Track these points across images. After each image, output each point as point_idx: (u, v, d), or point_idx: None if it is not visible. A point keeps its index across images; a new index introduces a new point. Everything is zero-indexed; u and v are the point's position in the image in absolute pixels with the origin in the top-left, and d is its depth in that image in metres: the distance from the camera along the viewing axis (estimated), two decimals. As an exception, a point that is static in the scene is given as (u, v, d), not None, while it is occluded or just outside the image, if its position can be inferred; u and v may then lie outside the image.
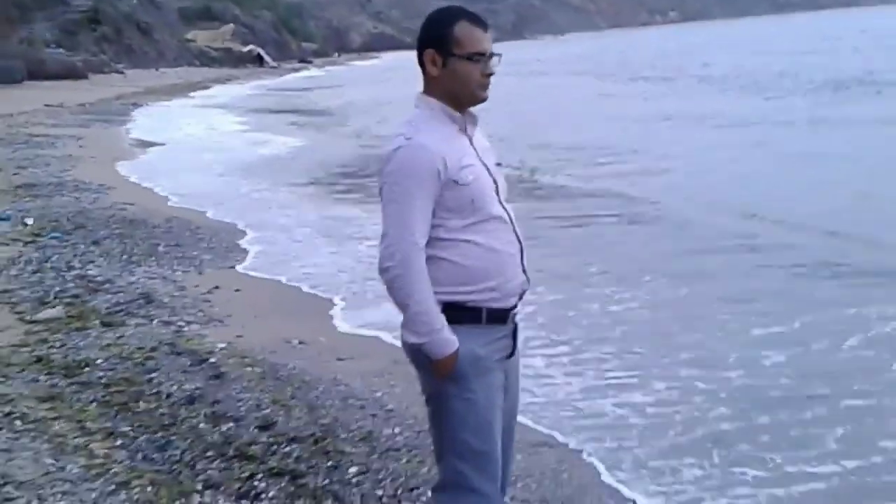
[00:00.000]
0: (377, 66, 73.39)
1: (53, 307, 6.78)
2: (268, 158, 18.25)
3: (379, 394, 5.03)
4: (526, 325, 6.32)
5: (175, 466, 4.11)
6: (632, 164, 15.42)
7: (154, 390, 5.01)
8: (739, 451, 4.53)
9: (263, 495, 3.82)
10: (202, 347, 5.78)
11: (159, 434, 4.44)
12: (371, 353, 5.91)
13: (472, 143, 2.81)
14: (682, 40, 75.35)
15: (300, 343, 6.15)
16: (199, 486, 3.91)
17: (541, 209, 11.34)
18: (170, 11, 76.52)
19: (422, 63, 2.78)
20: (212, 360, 5.49)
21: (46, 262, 8.26)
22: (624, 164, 15.45)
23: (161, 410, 4.73)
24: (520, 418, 4.48)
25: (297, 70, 72.64)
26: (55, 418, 4.66)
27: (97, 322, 6.41)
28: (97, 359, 5.53)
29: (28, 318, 6.55)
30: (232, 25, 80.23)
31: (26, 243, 9.14)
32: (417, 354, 2.74)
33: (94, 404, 4.85)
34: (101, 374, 5.28)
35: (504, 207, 2.81)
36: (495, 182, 2.81)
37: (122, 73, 52.26)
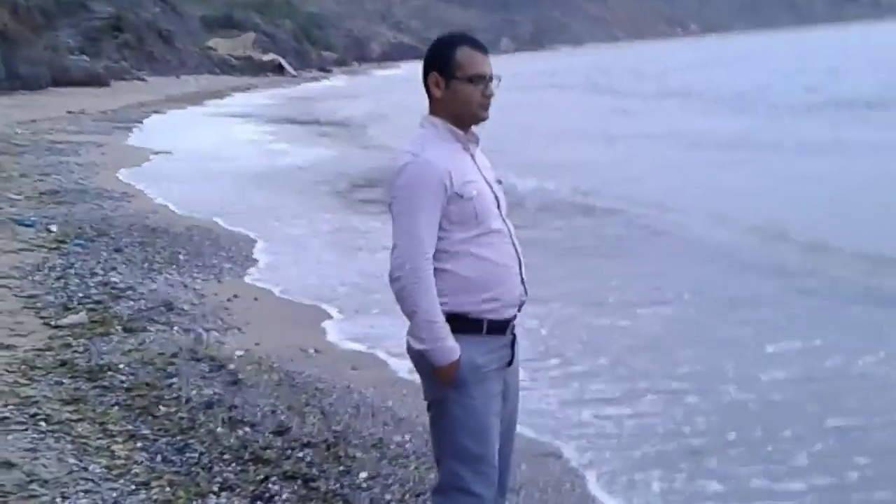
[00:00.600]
0: (397, 75, 73.95)
1: (77, 313, 6.97)
2: (288, 168, 18.42)
3: (390, 402, 5.20)
4: (536, 338, 6.56)
5: (193, 468, 4.29)
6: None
7: (174, 395, 5.19)
8: (712, 465, 4.65)
9: (277, 497, 3.99)
10: (221, 354, 5.96)
11: (178, 437, 4.63)
12: (384, 363, 6.08)
13: (474, 159, 3.01)
14: (695, 55, 75.09)
15: (316, 352, 6.33)
16: (216, 488, 4.09)
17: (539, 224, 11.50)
18: (192, 19, 77.15)
19: (427, 85, 2.98)
20: (230, 366, 5.68)
21: (70, 268, 8.46)
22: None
23: (180, 414, 4.91)
24: (529, 430, 4.70)
25: (317, 79, 73.03)
26: (78, 420, 4.85)
27: (119, 328, 6.61)
28: (119, 363, 5.73)
29: (52, 322, 6.74)
30: (253, 34, 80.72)
31: (50, 249, 9.36)
32: (421, 361, 2.92)
33: (116, 407, 5.04)
34: (122, 378, 5.47)
35: (505, 222, 3.00)
36: (497, 197, 3.01)
37: (143, 80, 52.71)
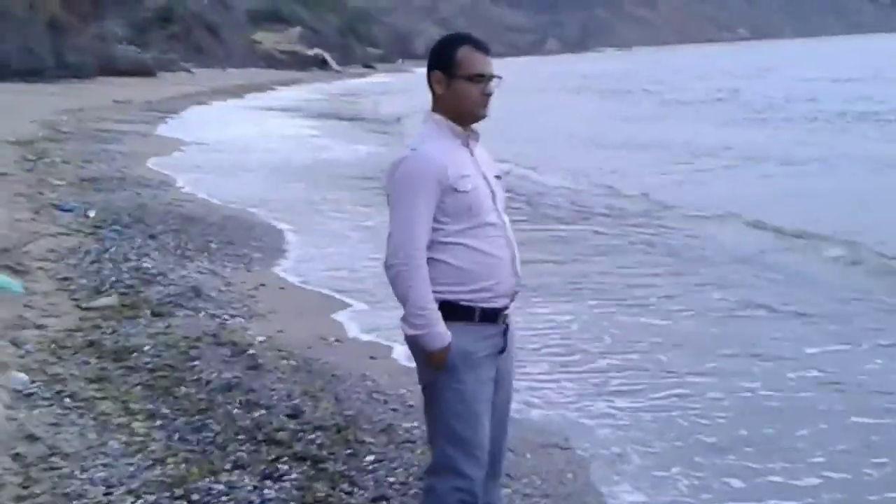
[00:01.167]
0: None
1: (109, 296, 7.17)
2: (328, 162, 18.55)
3: (403, 391, 5.31)
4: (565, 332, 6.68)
5: (208, 447, 4.44)
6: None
7: (195, 377, 5.35)
8: (730, 462, 4.73)
9: (286, 476, 4.13)
10: (243, 340, 6.12)
11: (196, 417, 4.78)
12: (402, 353, 6.19)
13: (473, 155, 3.12)
14: (741, 60, 74.36)
15: (337, 341, 6.47)
16: (228, 466, 4.23)
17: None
18: (239, 12, 77.87)
19: (430, 83, 3.11)
20: (251, 351, 5.82)
21: (105, 253, 8.67)
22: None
23: (199, 396, 5.07)
24: (540, 420, 4.80)
25: (361, 75, 73.49)
26: (102, 398, 5.03)
27: (148, 311, 6.79)
28: (144, 345, 5.90)
29: (84, 305, 6.95)
30: (299, 28, 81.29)
31: (87, 234, 9.60)
32: (415, 346, 3.06)
33: (139, 387, 5.21)
34: (147, 359, 5.64)
35: (500, 216, 3.12)
36: (493, 192, 3.12)
37: (190, 71, 53.35)
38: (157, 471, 4.16)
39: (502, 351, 3.15)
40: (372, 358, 6.04)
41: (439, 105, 3.12)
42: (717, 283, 8.47)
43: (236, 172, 16.49)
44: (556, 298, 7.86)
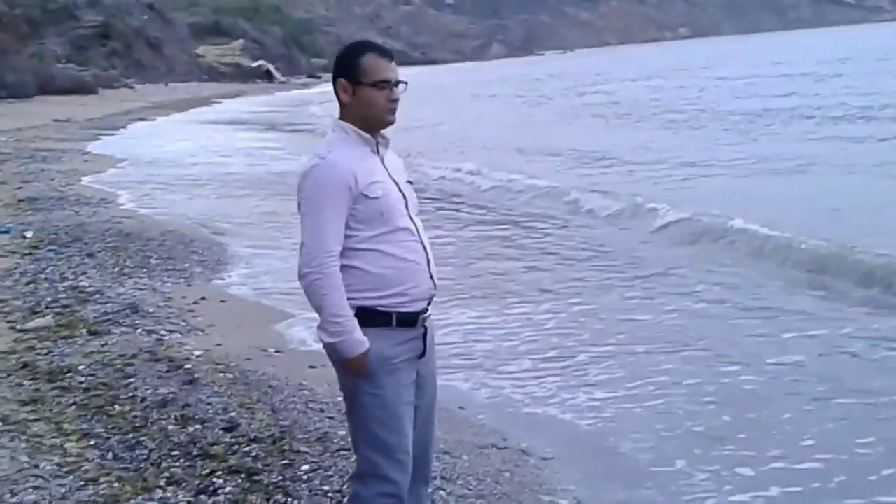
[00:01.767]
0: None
1: (43, 316, 7.07)
2: (273, 173, 18.38)
3: (340, 398, 5.26)
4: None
5: (142, 464, 4.39)
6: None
7: (130, 394, 5.30)
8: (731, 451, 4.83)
9: (220, 491, 4.09)
10: (180, 355, 6.06)
11: (130, 435, 4.73)
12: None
13: (383, 162, 3.13)
14: (676, 57, 75.40)
15: (276, 352, 6.43)
16: (162, 483, 4.19)
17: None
18: (180, 27, 77.29)
19: (336, 91, 3.11)
20: (187, 366, 5.78)
21: (41, 273, 8.56)
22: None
23: (134, 413, 5.01)
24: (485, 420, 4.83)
25: (306, 85, 73.24)
26: (35, 420, 4.95)
27: (84, 331, 6.70)
28: (80, 365, 5.82)
29: (18, 326, 6.85)
30: (241, 41, 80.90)
31: (23, 255, 9.46)
32: (333, 354, 3.06)
33: (73, 407, 5.14)
34: (82, 379, 5.57)
35: (413, 220, 3.12)
36: (405, 198, 3.12)
37: (131, 87, 52.81)
38: (90, 490, 4.11)
39: (422, 355, 3.15)
40: (311, 367, 5.99)
41: (346, 113, 3.12)
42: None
43: (179, 187, 16.34)
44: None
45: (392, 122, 3.12)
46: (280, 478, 4.21)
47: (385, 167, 3.12)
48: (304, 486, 4.13)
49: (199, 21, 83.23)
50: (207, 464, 4.36)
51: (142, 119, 35.00)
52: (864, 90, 28.92)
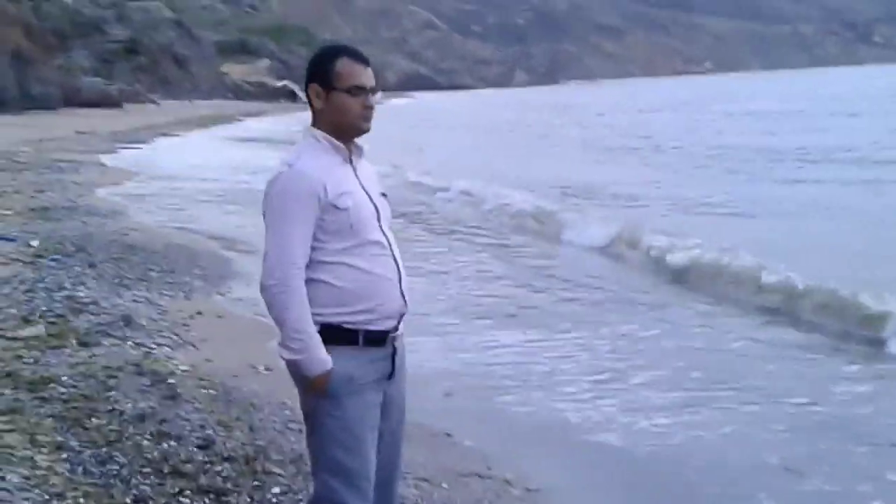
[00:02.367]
0: (411, 105, 74.51)
1: (35, 325, 6.97)
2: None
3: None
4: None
5: (111, 480, 4.25)
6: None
7: (109, 407, 5.16)
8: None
9: (186, 511, 3.96)
10: (165, 369, 5.94)
11: (104, 449, 4.59)
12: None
13: (356, 172, 2.98)
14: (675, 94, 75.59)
15: (266, 369, 6.30)
16: (129, 500, 4.05)
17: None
18: (207, 45, 77.88)
19: (308, 97, 2.98)
20: (170, 381, 5.65)
21: (40, 282, 8.47)
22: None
23: (110, 427, 4.88)
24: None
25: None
26: (10, 430, 4.82)
27: (74, 341, 6.59)
28: (63, 376, 5.70)
29: (9, 335, 6.74)
30: (267, 60, 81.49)
31: (26, 264, 9.38)
32: (295, 371, 2.90)
33: (51, 419, 5.01)
34: (63, 390, 5.44)
35: (385, 234, 2.96)
36: (377, 210, 2.96)
37: (156, 103, 53.23)
38: (54, 505, 3.98)
39: (391, 376, 3.00)
40: (298, 387, 5.87)
41: (319, 120, 2.98)
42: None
43: (194, 202, 16.33)
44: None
45: (366, 130, 2.97)
46: (249, 499, 4.07)
47: (357, 177, 2.97)
48: (272, 509, 3.99)
49: (226, 39, 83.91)
50: (178, 482, 4.22)
51: (164, 134, 35.15)
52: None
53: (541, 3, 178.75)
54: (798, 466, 4.90)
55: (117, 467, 4.38)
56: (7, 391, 5.45)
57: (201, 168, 22.74)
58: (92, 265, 9.41)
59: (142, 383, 5.59)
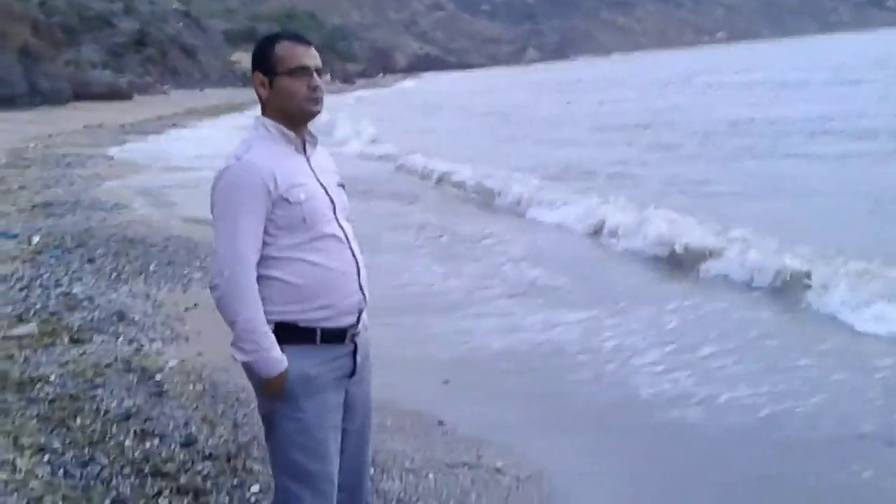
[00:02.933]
0: (420, 87, 74.08)
1: (28, 324, 6.91)
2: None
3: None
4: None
5: (92, 482, 4.17)
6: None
7: (94, 407, 5.09)
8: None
9: (164, 513, 3.87)
10: (154, 365, 5.85)
11: (86, 450, 4.52)
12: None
13: (309, 163, 2.84)
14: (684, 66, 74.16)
15: (256, 362, 6.20)
16: (108, 502, 3.97)
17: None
18: (215, 34, 77.87)
19: (255, 87, 2.83)
20: (157, 377, 5.56)
21: (37, 279, 8.42)
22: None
23: (94, 427, 4.80)
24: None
25: (340, 91, 73.25)
26: (-6, 433, 4.76)
27: (66, 338, 6.53)
28: (51, 375, 5.63)
29: (2, 334, 6.69)
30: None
31: (25, 261, 9.34)
32: (250, 372, 2.76)
33: (35, 420, 4.94)
34: (50, 390, 5.38)
35: (341, 226, 2.82)
36: (332, 202, 2.82)
37: (166, 93, 53.29)
38: (31, 510, 3.90)
39: (353, 374, 2.87)
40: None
41: (267, 109, 2.83)
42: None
43: (200, 192, 16.18)
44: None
45: (317, 113, 2.83)
46: (228, 498, 3.97)
47: (311, 168, 2.82)
48: (250, 507, 3.89)
49: (235, 28, 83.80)
50: (158, 482, 4.13)
51: (173, 125, 35.11)
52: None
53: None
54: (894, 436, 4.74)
55: (98, 468, 4.31)
56: (-5, 392, 5.39)
57: (209, 158, 22.60)
58: (91, 260, 9.35)
59: (129, 381, 5.51)
